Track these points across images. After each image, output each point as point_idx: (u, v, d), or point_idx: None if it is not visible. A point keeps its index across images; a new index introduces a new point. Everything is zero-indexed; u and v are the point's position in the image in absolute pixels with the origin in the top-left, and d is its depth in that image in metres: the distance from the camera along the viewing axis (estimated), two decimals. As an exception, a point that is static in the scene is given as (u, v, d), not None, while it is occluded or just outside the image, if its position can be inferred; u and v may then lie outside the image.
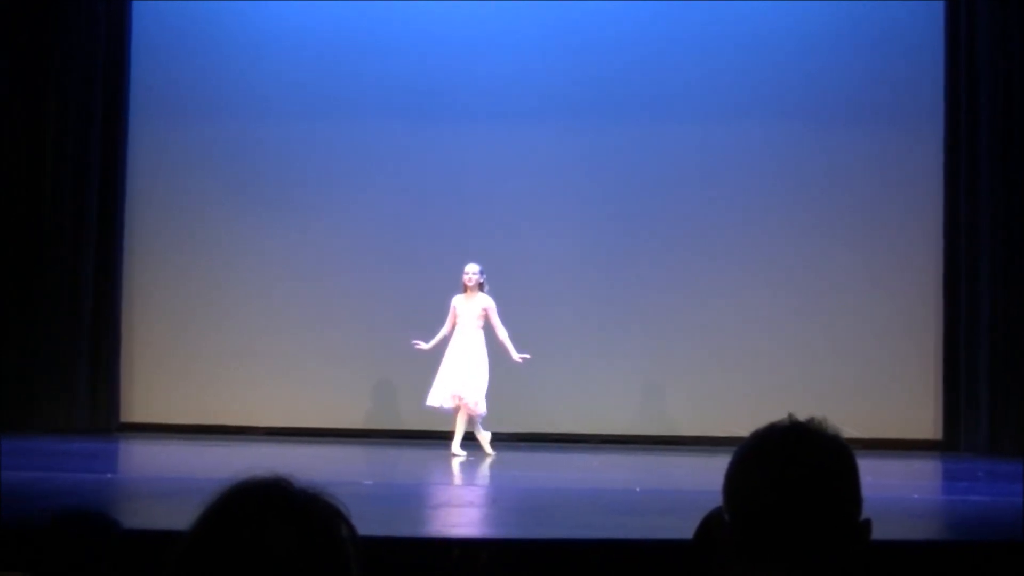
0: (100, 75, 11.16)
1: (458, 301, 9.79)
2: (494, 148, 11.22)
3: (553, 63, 11.20)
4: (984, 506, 6.93)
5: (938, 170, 10.96)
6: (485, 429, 9.82)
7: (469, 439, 9.68)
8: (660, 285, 11.10)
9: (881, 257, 11.02)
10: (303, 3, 11.31)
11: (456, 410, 9.64)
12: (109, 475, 8.49)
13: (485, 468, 9.16)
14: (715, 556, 1.62)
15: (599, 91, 11.19)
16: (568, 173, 11.16)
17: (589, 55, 11.22)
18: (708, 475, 2.19)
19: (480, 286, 9.78)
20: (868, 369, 10.89)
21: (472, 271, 9.76)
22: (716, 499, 1.64)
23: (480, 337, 9.71)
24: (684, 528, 2.66)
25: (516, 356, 9.70)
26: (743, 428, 1.77)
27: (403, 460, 9.77)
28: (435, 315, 9.90)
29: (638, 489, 7.62)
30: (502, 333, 9.72)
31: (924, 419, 10.87)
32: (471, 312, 9.71)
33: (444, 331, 9.76)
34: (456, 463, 9.26)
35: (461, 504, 7.10)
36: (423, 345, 9.76)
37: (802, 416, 1.64)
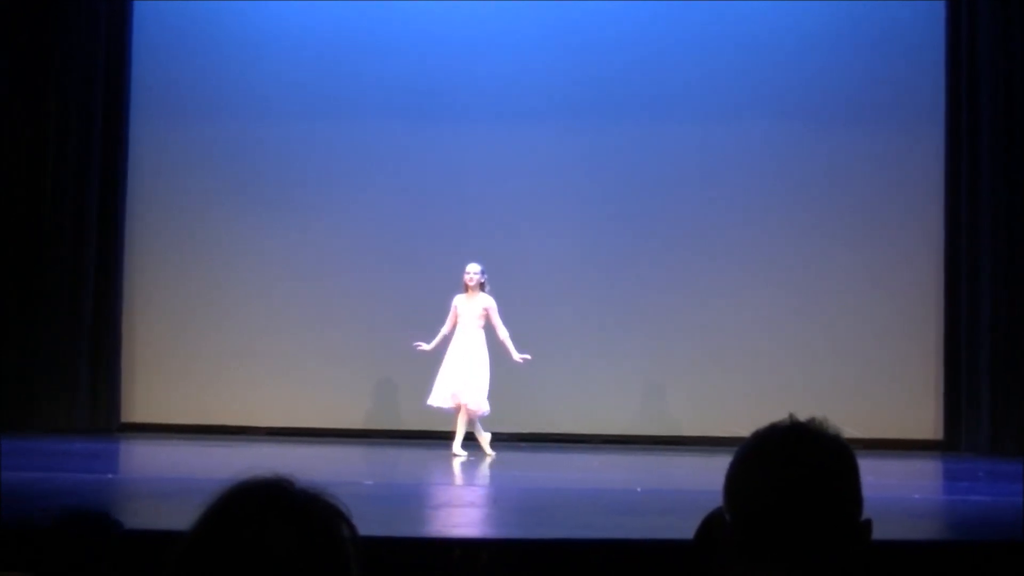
0: (101, 75, 11.16)
1: (459, 301, 9.79)
2: (494, 148, 11.22)
3: (553, 63, 11.20)
4: (985, 506, 6.93)
5: (939, 170, 10.96)
6: (485, 430, 9.82)
7: (469, 439, 9.68)
8: (660, 285, 11.10)
9: (882, 257, 11.02)
10: (303, 3, 11.31)
11: (457, 410, 9.64)
12: (110, 475, 8.50)
13: (485, 468, 9.16)
14: (716, 556, 1.62)
15: (599, 91, 11.19)
16: (568, 173, 11.16)
17: (589, 55, 11.22)
18: (709, 475, 2.19)
19: (481, 286, 9.78)
20: (869, 369, 10.88)
21: (473, 271, 9.77)
22: (717, 499, 1.64)
23: (481, 337, 9.71)
24: (685, 528, 2.66)
25: (517, 356, 9.70)
26: (744, 428, 1.77)
27: (403, 460, 9.77)
28: (435, 315, 9.90)
29: (639, 489, 7.62)
30: (503, 333, 9.73)
31: (925, 419, 10.86)
32: (472, 312, 9.72)
33: (445, 330, 9.76)
34: (457, 463, 9.26)
35: (462, 504, 7.11)
36: (424, 346, 9.76)
37: (803, 416, 1.64)
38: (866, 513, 1.58)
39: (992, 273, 10.56)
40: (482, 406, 9.63)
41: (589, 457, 9.93)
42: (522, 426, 10.74)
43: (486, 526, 6.42)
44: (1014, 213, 10.53)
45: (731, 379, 10.86)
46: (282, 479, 1.29)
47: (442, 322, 9.80)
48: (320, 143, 11.32)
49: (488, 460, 9.51)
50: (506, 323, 9.76)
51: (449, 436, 9.68)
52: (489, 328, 9.75)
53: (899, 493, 7.01)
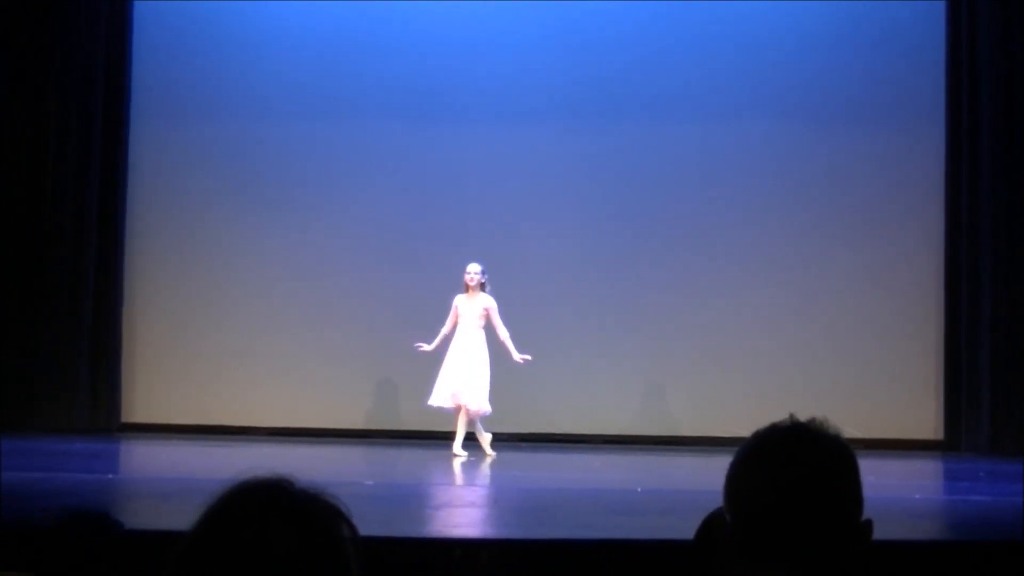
0: (101, 75, 11.16)
1: (460, 301, 9.80)
2: (494, 148, 11.22)
3: (553, 63, 11.20)
4: (985, 506, 6.93)
5: (939, 170, 10.96)
6: (486, 430, 9.82)
7: (470, 439, 9.68)
8: (660, 285, 11.10)
9: (882, 257, 11.02)
10: (303, 3, 11.31)
11: (457, 410, 9.64)
12: (110, 475, 8.50)
13: (486, 468, 9.16)
14: (716, 556, 1.62)
15: (599, 91, 11.19)
16: (568, 173, 11.16)
17: (589, 55, 11.22)
18: (709, 475, 2.19)
19: (482, 286, 9.78)
20: (869, 369, 10.88)
21: (474, 271, 9.77)
22: (717, 499, 1.64)
23: (481, 337, 9.72)
24: (685, 528, 2.66)
25: (517, 357, 9.70)
26: (744, 428, 1.77)
27: (404, 460, 9.77)
28: (435, 315, 9.90)
29: (639, 489, 7.62)
30: (503, 333, 9.73)
31: (925, 419, 10.86)
32: (472, 312, 9.72)
33: (445, 330, 9.77)
34: (457, 463, 9.26)
35: (462, 504, 7.11)
36: (426, 347, 9.76)
37: (803, 416, 1.64)
38: (867, 513, 1.58)
39: (992, 273, 10.56)
40: (483, 406, 9.63)
41: (589, 457, 9.93)
42: (522, 426, 10.74)
43: (486, 526, 6.42)
44: (1014, 213, 10.53)
45: (731, 379, 10.86)
46: (282, 479, 1.29)
47: (442, 322, 9.80)
48: (320, 143, 11.32)
49: (488, 460, 9.52)
50: (506, 323, 9.77)
51: (449, 436, 9.68)
52: (490, 328, 9.75)
53: (899, 493, 7.01)
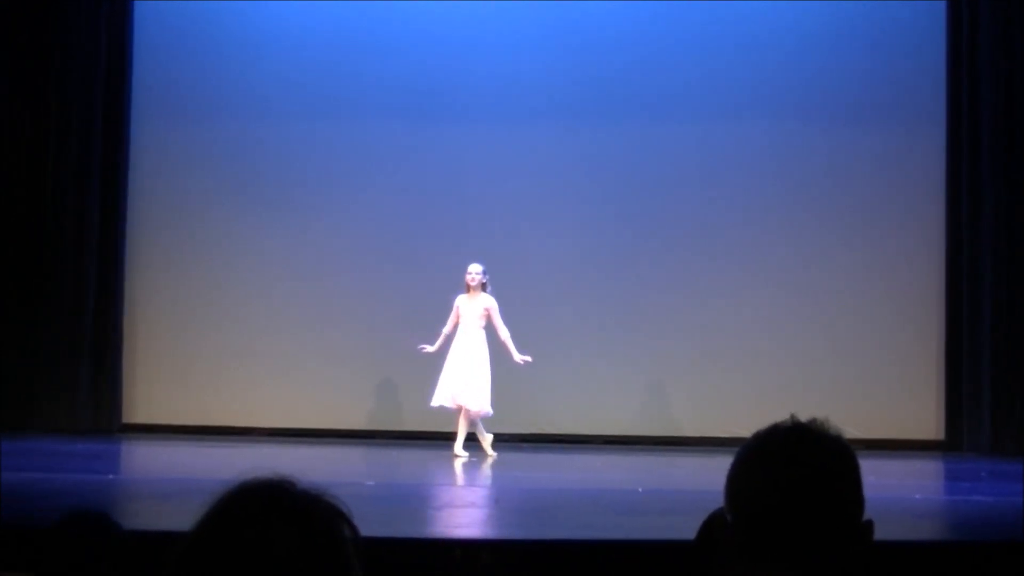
0: (101, 75, 11.16)
1: (461, 301, 9.80)
2: (494, 148, 11.22)
3: (553, 63, 11.20)
4: (987, 506, 6.93)
5: (940, 170, 10.96)
6: (487, 430, 9.82)
7: (471, 440, 9.68)
8: (661, 285, 11.10)
9: (883, 257, 11.02)
10: (303, 3, 11.31)
11: (458, 410, 9.64)
12: (111, 476, 8.50)
13: (487, 469, 9.16)
14: (717, 557, 1.62)
15: (599, 91, 11.19)
16: (568, 173, 11.16)
17: (589, 55, 11.22)
18: (710, 475, 2.19)
19: (483, 286, 9.78)
20: (870, 369, 10.88)
21: (475, 271, 9.77)
22: (718, 500, 1.64)
23: (482, 337, 9.72)
24: (686, 529, 2.66)
25: (518, 357, 9.70)
26: (745, 429, 1.77)
27: (405, 461, 9.77)
28: (436, 315, 9.90)
29: (640, 490, 7.62)
30: (504, 333, 9.73)
31: (926, 419, 10.86)
32: (473, 312, 9.72)
33: (446, 330, 9.77)
34: (458, 464, 9.26)
35: (463, 505, 7.11)
36: (429, 348, 9.77)
37: (804, 416, 1.64)
38: (868, 513, 1.58)
39: (993, 273, 10.56)
40: (484, 407, 9.63)
41: (590, 458, 9.93)
42: (523, 427, 10.74)
43: (487, 527, 6.42)
44: (1015, 213, 10.53)
45: (732, 379, 10.86)
46: (284, 480, 1.29)
47: (443, 322, 9.81)
48: (320, 143, 11.32)
49: (489, 461, 9.52)
50: (507, 323, 9.76)
51: (450, 437, 9.68)
52: (490, 328, 9.76)
53: (900, 493, 7.01)
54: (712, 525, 2.32)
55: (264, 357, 11.12)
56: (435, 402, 9.68)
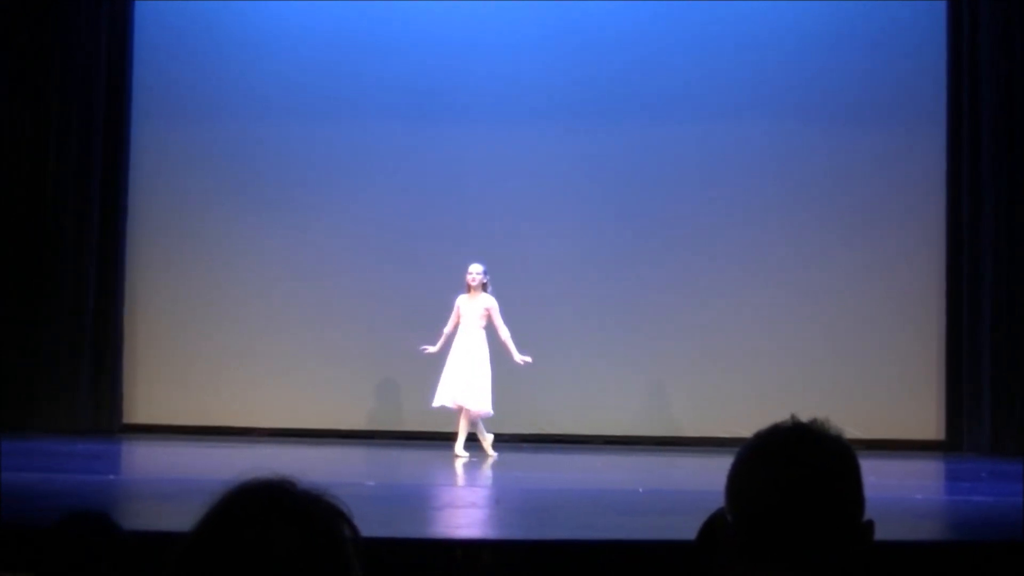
0: (102, 75, 11.17)
1: (462, 301, 9.80)
2: (494, 148, 11.22)
3: (553, 63, 11.20)
4: (987, 506, 6.93)
5: (940, 170, 10.96)
6: (487, 431, 9.82)
7: (472, 440, 9.68)
8: (661, 285, 11.10)
9: (883, 257, 11.01)
10: (303, 3, 11.31)
11: (459, 411, 9.64)
12: (111, 476, 8.50)
13: (487, 469, 9.16)
14: (717, 557, 1.62)
15: (599, 91, 11.19)
16: (568, 173, 11.16)
17: (589, 55, 11.22)
18: (710, 476, 2.19)
19: (484, 286, 9.78)
20: (870, 369, 10.88)
21: (476, 271, 9.77)
22: (718, 500, 1.64)
23: (482, 337, 9.72)
24: (686, 529, 2.66)
25: (518, 358, 9.69)
26: (745, 429, 1.77)
27: (405, 461, 9.77)
28: (436, 315, 9.90)
29: (640, 490, 7.62)
30: (504, 333, 9.73)
31: (927, 419, 10.86)
32: (474, 312, 9.72)
33: (447, 330, 9.78)
34: (459, 464, 9.26)
35: (464, 505, 7.10)
36: (431, 349, 9.76)
37: (804, 417, 1.63)
38: (868, 514, 1.58)
39: (993, 273, 10.56)
40: (484, 408, 9.63)
41: (591, 458, 9.93)
42: (524, 427, 10.74)
43: (488, 527, 6.42)
44: (1015, 213, 10.53)
45: (732, 379, 10.85)
46: (284, 480, 1.29)
47: (443, 322, 9.81)
48: (320, 143, 11.32)
49: (490, 461, 9.51)
50: (507, 323, 9.76)
51: (451, 437, 9.68)
52: (491, 328, 9.76)
53: (901, 493, 7.01)
54: (713, 525, 2.32)
55: (264, 357, 11.12)
56: (436, 402, 9.68)
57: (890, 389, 10.85)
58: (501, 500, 7.10)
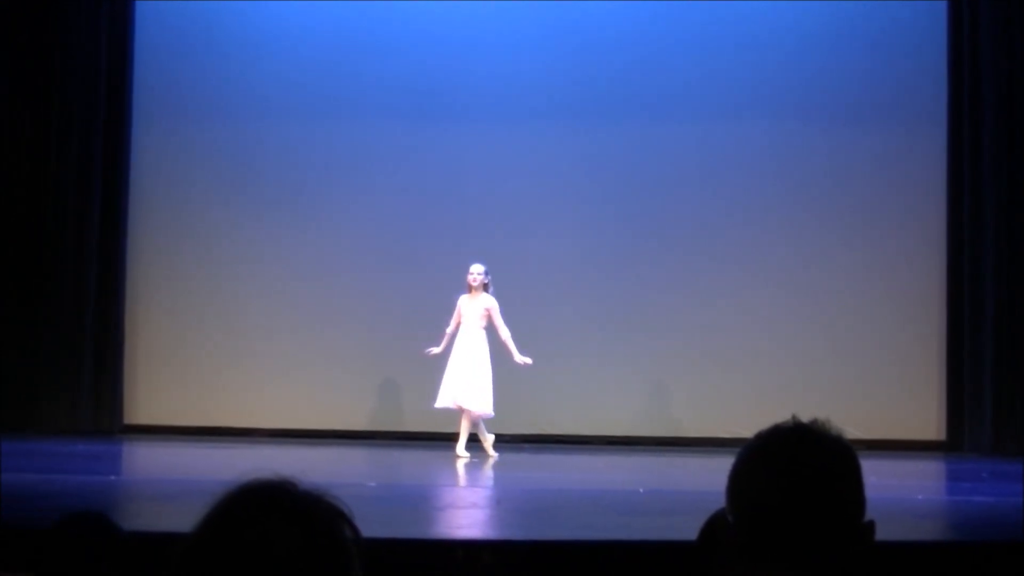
0: (102, 75, 11.17)
1: (463, 301, 9.81)
2: (494, 148, 11.22)
3: (553, 63, 11.20)
4: (988, 507, 6.93)
5: (941, 170, 10.96)
6: (488, 431, 9.82)
7: (473, 441, 9.68)
8: (662, 285, 11.10)
9: (884, 257, 11.01)
10: (303, 3, 11.32)
11: (461, 411, 9.64)
12: (112, 477, 8.50)
13: (488, 470, 9.16)
14: (718, 557, 1.62)
15: (599, 91, 11.19)
16: (569, 173, 11.16)
17: (589, 55, 11.22)
18: (711, 476, 2.19)
19: (484, 287, 9.78)
20: (871, 370, 10.88)
21: (477, 271, 9.77)
22: (719, 500, 1.64)
23: (482, 337, 9.72)
24: (687, 529, 2.66)
25: (518, 358, 9.69)
26: (746, 429, 1.77)
27: (406, 462, 9.77)
28: (436, 315, 9.90)
29: (641, 490, 7.62)
30: (504, 334, 9.73)
31: (928, 420, 10.86)
32: (474, 312, 9.73)
33: (449, 330, 9.78)
34: (460, 465, 9.26)
35: (464, 506, 7.10)
36: (435, 350, 9.76)
37: (805, 417, 1.64)
38: (869, 514, 1.58)
39: (994, 273, 10.55)
40: (484, 409, 9.63)
41: (592, 458, 9.93)
42: (525, 427, 10.74)
43: (489, 527, 6.42)
44: (1016, 213, 10.53)
45: (733, 380, 10.85)
46: (285, 481, 1.29)
47: (443, 322, 9.81)
48: (321, 143, 11.32)
49: (491, 461, 9.51)
50: (507, 323, 9.76)
51: (452, 437, 9.68)
52: (492, 329, 9.76)
53: (902, 494, 7.01)
54: (714, 525, 2.32)
55: (265, 357, 11.12)
56: (439, 403, 9.68)
57: (891, 389, 10.85)
58: (502, 501, 7.10)
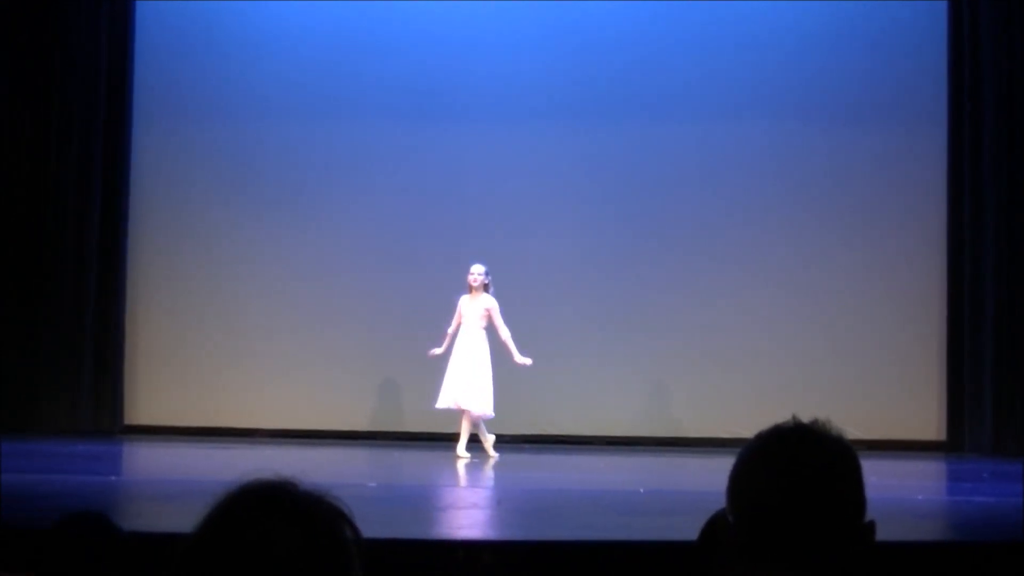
0: (103, 75, 11.17)
1: (464, 301, 9.81)
2: (494, 148, 11.22)
3: (553, 63, 11.20)
4: (988, 507, 6.93)
5: (941, 170, 10.96)
6: (489, 432, 9.82)
7: (474, 441, 9.68)
8: (662, 286, 11.10)
9: (884, 257, 11.01)
10: (304, 3, 11.32)
11: (461, 412, 9.64)
12: (112, 477, 8.49)
13: (489, 470, 9.16)
14: (719, 557, 1.62)
15: (599, 91, 11.19)
16: (569, 173, 11.16)
17: (589, 55, 11.22)
18: (712, 476, 2.19)
19: (485, 287, 9.78)
20: (872, 370, 10.88)
21: (477, 272, 9.77)
22: (720, 500, 1.64)
23: (483, 337, 9.72)
24: (688, 529, 2.66)
25: (518, 359, 9.69)
26: (746, 429, 1.77)
27: (407, 462, 9.77)
28: (437, 315, 9.90)
29: (642, 490, 7.62)
30: (504, 334, 9.73)
31: (928, 420, 10.86)
32: (475, 312, 9.73)
33: (451, 330, 9.78)
34: (460, 465, 9.26)
35: (465, 506, 7.10)
36: (437, 351, 9.76)
37: (806, 417, 1.64)
38: (869, 514, 1.58)
39: (994, 273, 10.55)
40: (485, 410, 9.63)
41: (592, 458, 9.93)
42: (525, 428, 10.74)
43: (489, 528, 6.42)
44: (1016, 213, 10.53)
45: (734, 380, 10.85)
46: (286, 481, 1.29)
47: (443, 322, 9.81)
48: (321, 143, 11.32)
49: (491, 462, 9.51)
50: (508, 324, 9.76)
51: (452, 438, 9.68)
52: (492, 329, 9.76)
53: (902, 494, 7.01)
54: (714, 526, 2.32)
55: (266, 358, 11.12)
56: (440, 404, 9.68)
57: (891, 389, 10.85)
58: (502, 501, 7.10)
